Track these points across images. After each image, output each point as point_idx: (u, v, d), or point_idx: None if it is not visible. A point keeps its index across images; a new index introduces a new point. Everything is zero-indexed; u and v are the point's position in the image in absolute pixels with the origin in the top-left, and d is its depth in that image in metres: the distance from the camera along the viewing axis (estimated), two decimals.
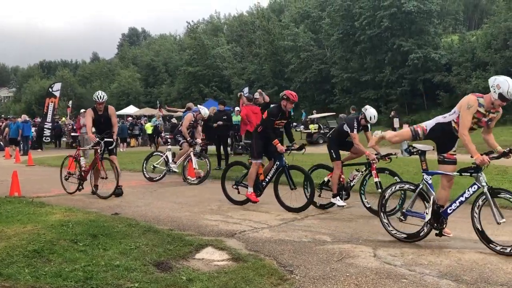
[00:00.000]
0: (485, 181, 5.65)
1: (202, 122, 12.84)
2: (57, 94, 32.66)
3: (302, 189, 8.33)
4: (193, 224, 7.07)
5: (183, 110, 19.07)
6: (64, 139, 33.86)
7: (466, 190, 5.85)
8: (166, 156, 12.27)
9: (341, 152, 8.39)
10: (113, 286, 4.38)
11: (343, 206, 8.11)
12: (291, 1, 66.22)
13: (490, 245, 5.40)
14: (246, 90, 36.79)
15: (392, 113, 32.15)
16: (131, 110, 51.69)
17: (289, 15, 58.42)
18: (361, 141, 8.25)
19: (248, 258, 5.27)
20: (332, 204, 8.22)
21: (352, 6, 41.20)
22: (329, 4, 45.22)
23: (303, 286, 4.51)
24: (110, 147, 9.80)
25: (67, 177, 10.24)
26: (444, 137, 6.01)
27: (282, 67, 50.42)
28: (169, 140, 13.24)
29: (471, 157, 5.61)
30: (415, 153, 6.31)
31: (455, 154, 6.13)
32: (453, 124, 5.86)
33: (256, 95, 14.91)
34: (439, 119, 6.13)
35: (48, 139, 31.53)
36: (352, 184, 8.32)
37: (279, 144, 8.20)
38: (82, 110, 25.94)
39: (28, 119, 29.48)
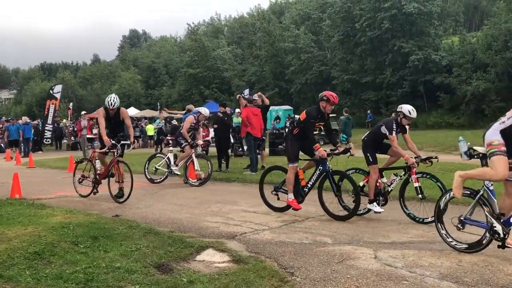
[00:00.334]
0: None
1: (202, 123, 12.84)
2: (58, 96, 32.66)
3: (336, 197, 7.82)
4: (193, 226, 7.08)
5: (183, 112, 19.09)
6: (65, 141, 33.90)
7: None
8: (168, 158, 12.25)
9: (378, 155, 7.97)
10: None
11: (380, 212, 7.67)
12: (292, 3, 66.27)
13: None
14: (246, 91, 36.76)
15: (393, 115, 32.10)
16: (132, 112, 51.59)
17: (289, 16, 58.43)
18: (400, 144, 7.84)
19: (249, 260, 5.28)
20: (369, 210, 7.80)
21: (352, 8, 41.26)
22: (329, 6, 45.26)
23: None
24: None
25: (81, 180, 9.95)
26: (509, 142, 5.40)
27: (282, 68, 50.45)
28: (170, 142, 13.12)
29: None
30: (475, 156, 5.87)
31: None
32: None
33: (255, 96, 14.92)
34: (498, 126, 5.60)
35: (49, 141, 31.55)
36: (390, 189, 7.90)
37: (321, 148, 7.80)
38: (83, 112, 25.98)
39: (29, 121, 29.48)
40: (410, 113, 7.71)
